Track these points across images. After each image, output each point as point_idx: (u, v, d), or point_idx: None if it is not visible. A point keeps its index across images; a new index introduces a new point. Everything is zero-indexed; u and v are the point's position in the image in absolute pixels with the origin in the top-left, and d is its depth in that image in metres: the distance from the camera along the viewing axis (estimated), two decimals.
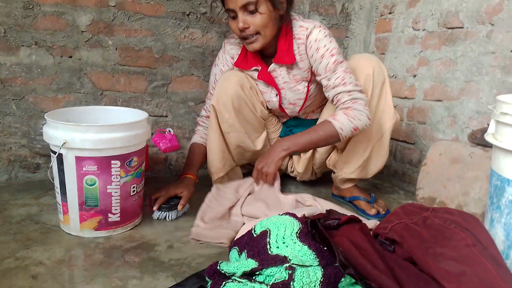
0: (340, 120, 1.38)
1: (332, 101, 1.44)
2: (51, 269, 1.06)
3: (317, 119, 1.64)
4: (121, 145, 1.20)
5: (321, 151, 1.64)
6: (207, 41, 1.93)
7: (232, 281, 0.75)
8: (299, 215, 0.92)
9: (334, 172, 1.62)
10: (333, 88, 1.41)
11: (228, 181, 1.57)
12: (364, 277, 0.75)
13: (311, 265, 0.76)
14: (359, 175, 1.57)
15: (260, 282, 0.74)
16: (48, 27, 1.70)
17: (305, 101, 1.56)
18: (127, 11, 1.79)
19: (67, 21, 1.72)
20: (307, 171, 1.71)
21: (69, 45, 1.74)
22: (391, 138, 1.98)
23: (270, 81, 1.53)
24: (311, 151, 1.64)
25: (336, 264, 0.76)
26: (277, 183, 1.47)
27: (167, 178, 1.84)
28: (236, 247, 0.92)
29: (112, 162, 1.20)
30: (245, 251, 0.87)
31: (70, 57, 1.76)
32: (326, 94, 1.46)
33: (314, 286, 0.73)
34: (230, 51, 1.57)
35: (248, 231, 0.94)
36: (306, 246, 0.80)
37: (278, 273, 0.74)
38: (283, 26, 1.45)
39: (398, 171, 1.97)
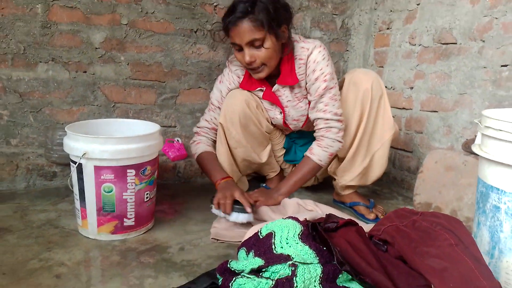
0: (316, 153, 1.55)
1: (313, 121, 1.59)
2: (73, 269, 1.15)
3: None
4: (136, 155, 1.29)
5: None
6: (214, 56, 2.03)
7: (241, 277, 0.84)
8: (301, 219, 1.01)
9: (335, 179, 1.71)
10: (316, 111, 1.56)
11: None
12: (359, 273, 0.83)
13: (312, 263, 0.84)
14: (358, 182, 1.65)
15: (267, 278, 0.83)
16: (64, 44, 1.80)
17: (307, 117, 1.65)
18: (138, 29, 1.89)
19: (82, 39, 1.83)
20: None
21: (83, 61, 1.85)
22: (391, 147, 2.08)
23: (274, 101, 1.62)
24: None
25: (334, 262, 0.85)
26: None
27: (176, 185, 1.93)
28: (244, 248, 1.00)
29: (128, 171, 1.29)
30: (253, 251, 0.95)
31: (85, 72, 1.86)
32: (309, 114, 1.60)
33: (315, 281, 0.81)
34: (235, 71, 1.64)
35: (254, 233, 1.03)
36: (307, 246, 0.89)
37: (282, 270, 0.83)
38: (285, 50, 1.53)
39: (397, 178, 2.06)
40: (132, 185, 1.31)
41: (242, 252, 1.01)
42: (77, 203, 1.34)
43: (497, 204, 0.99)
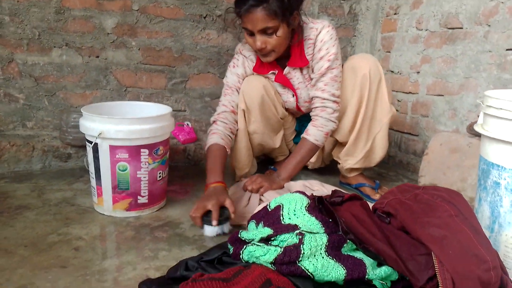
0: (312, 133, 1.59)
1: (310, 99, 1.63)
2: (90, 242, 1.21)
3: None
4: (149, 136, 1.34)
5: (327, 143, 1.76)
6: (223, 41, 2.07)
7: (252, 245, 0.89)
8: (308, 194, 1.06)
9: (340, 163, 1.75)
10: (315, 90, 1.59)
11: (248, 173, 1.71)
12: (363, 243, 0.88)
13: (318, 232, 0.89)
14: (362, 165, 1.69)
15: (275, 246, 0.88)
16: (77, 30, 1.85)
17: None
18: (149, 15, 1.93)
19: (95, 24, 1.87)
20: (318, 160, 1.83)
21: (96, 46, 1.89)
22: (397, 131, 2.11)
23: (286, 83, 1.65)
24: None
25: (340, 233, 0.90)
26: None
27: (186, 167, 1.98)
28: (254, 220, 1.05)
29: (142, 150, 1.34)
30: (262, 222, 1.00)
31: (97, 57, 1.91)
32: (309, 91, 1.63)
33: (321, 249, 0.86)
34: (249, 57, 1.65)
35: (264, 207, 1.08)
36: (313, 217, 0.93)
37: (290, 238, 0.88)
38: (295, 36, 1.55)
39: (403, 161, 2.09)
40: (145, 164, 1.36)
41: (252, 224, 1.06)
42: (93, 182, 1.40)
43: (498, 180, 1.03)
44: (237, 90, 1.65)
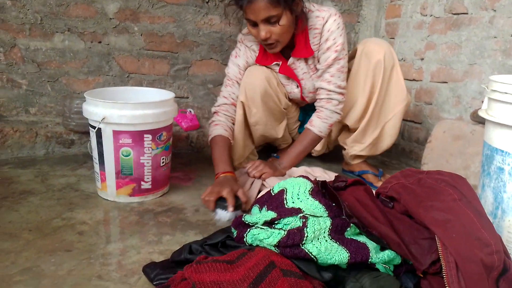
0: (316, 125, 1.59)
1: (316, 90, 1.62)
2: (94, 227, 1.21)
3: None
4: (152, 121, 1.34)
5: (334, 129, 1.75)
6: (225, 27, 2.05)
7: (255, 228, 0.90)
8: (311, 178, 1.06)
9: (345, 149, 1.75)
10: (321, 81, 1.58)
11: (247, 161, 1.71)
12: (366, 227, 0.88)
13: (322, 216, 0.89)
14: (368, 152, 1.69)
15: (279, 229, 0.89)
16: (79, 15, 1.84)
17: None
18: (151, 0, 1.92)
19: (97, 9, 1.86)
20: (324, 147, 1.83)
21: (98, 31, 1.88)
22: None
23: (290, 74, 1.63)
24: None
25: (343, 217, 0.90)
26: None
27: (189, 154, 1.98)
28: (257, 204, 1.06)
29: (145, 136, 1.34)
30: (265, 206, 1.01)
31: (100, 42, 1.90)
32: (315, 81, 1.61)
33: (324, 232, 0.86)
34: (251, 47, 1.62)
35: (267, 191, 1.08)
36: (317, 201, 0.94)
37: (293, 222, 0.88)
38: (299, 23, 1.52)
39: (406, 149, 2.09)
40: (149, 150, 1.36)
41: (255, 208, 1.06)
42: (96, 167, 1.40)
43: (501, 165, 1.03)
44: (237, 82, 1.63)
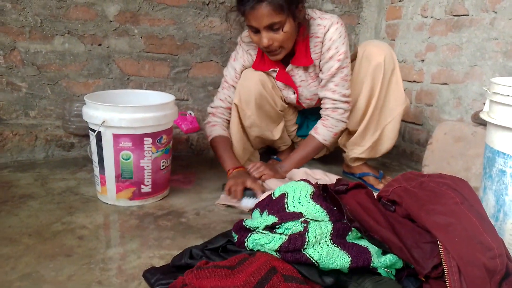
0: (321, 133, 1.59)
1: (320, 98, 1.61)
2: (94, 231, 1.21)
3: None
4: (153, 124, 1.34)
5: None
6: (225, 29, 2.05)
7: (256, 233, 0.89)
8: (313, 182, 1.06)
9: (345, 152, 1.74)
10: (325, 90, 1.57)
11: (248, 163, 1.70)
12: (368, 231, 0.88)
13: (323, 220, 0.89)
14: (368, 155, 1.68)
15: (280, 233, 0.88)
16: (79, 17, 1.84)
17: None
18: (152, 2, 1.92)
19: (97, 12, 1.86)
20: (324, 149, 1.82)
21: (98, 34, 1.88)
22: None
23: (288, 82, 1.62)
24: None
25: (345, 221, 0.89)
26: None
27: (189, 157, 1.97)
28: (258, 208, 1.05)
29: (145, 139, 1.34)
30: (266, 210, 1.00)
31: (100, 45, 1.90)
32: (318, 91, 1.61)
33: (325, 236, 0.86)
34: (248, 51, 1.62)
35: (268, 195, 1.08)
36: (318, 205, 0.93)
37: (295, 226, 0.88)
38: (301, 30, 1.50)
39: (407, 151, 2.08)
40: (149, 153, 1.36)
41: (256, 212, 1.06)
42: (96, 170, 1.39)
43: (503, 168, 1.02)
44: (233, 86, 1.64)
